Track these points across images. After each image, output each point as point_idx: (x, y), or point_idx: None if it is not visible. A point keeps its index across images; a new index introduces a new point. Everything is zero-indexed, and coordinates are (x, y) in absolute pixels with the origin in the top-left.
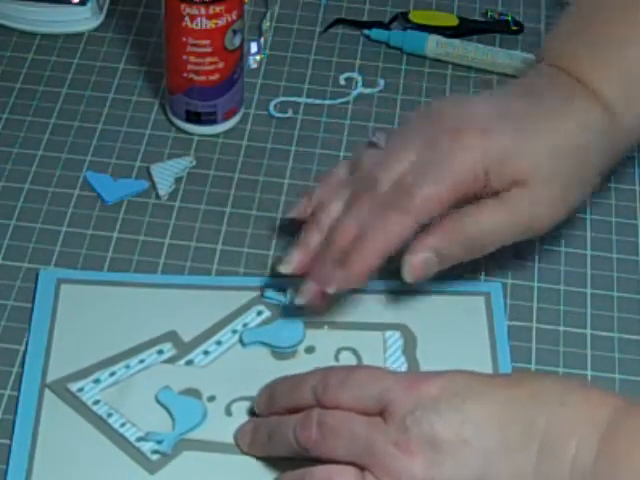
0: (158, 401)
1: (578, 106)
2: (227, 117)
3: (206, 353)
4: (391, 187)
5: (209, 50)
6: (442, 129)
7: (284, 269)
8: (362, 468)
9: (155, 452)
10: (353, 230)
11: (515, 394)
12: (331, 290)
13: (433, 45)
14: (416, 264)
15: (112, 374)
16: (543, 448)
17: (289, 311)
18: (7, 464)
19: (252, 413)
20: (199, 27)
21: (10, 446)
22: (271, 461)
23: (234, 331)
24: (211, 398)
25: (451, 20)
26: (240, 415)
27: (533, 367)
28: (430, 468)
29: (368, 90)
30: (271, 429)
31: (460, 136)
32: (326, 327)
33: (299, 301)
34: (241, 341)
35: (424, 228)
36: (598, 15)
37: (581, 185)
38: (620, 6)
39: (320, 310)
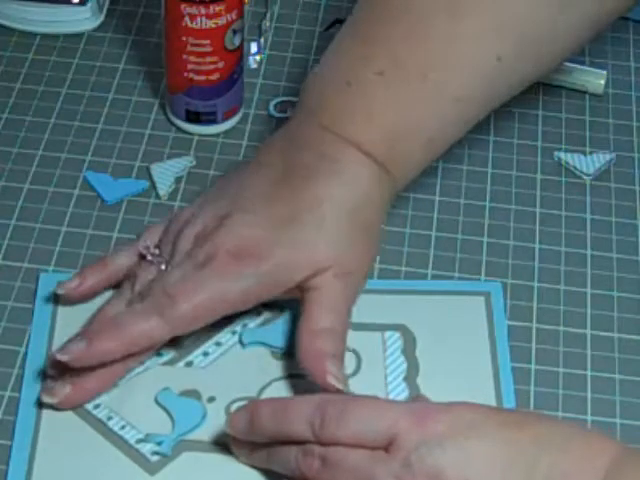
0: (158, 403)
1: (347, 172)
2: (227, 117)
3: (205, 354)
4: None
5: (209, 50)
6: (215, 251)
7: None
8: None
9: (155, 453)
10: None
11: (519, 436)
12: (64, 358)
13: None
14: (337, 373)
15: None
16: None
17: (289, 311)
18: (7, 465)
19: None
20: (199, 27)
21: (10, 447)
22: None
23: (233, 332)
24: (211, 399)
25: None
26: None
27: (533, 367)
28: None
29: None
30: (270, 451)
31: (231, 261)
32: None
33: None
34: (240, 342)
35: None
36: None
37: (373, 244)
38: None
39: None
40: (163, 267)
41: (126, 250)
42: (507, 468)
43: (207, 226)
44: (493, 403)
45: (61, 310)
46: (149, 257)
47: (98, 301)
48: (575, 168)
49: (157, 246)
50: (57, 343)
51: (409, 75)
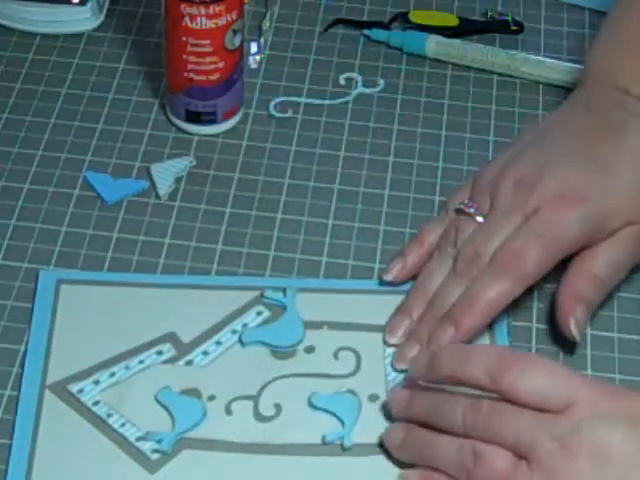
0: (158, 401)
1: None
2: (227, 117)
3: (206, 353)
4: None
5: (209, 50)
6: (541, 198)
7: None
8: (519, 457)
9: (155, 451)
10: (460, 293)
11: None
12: (434, 347)
13: (433, 45)
14: (580, 320)
15: (112, 375)
16: None
17: (289, 311)
18: (7, 464)
19: (252, 413)
20: (199, 27)
21: (10, 446)
22: (271, 459)
23: (234, 331)
24: (211, 397)
25: (451, 20)
26: (240, 414)
27: None
28: (590, 476)
29: (368, 90)
30: (436, 403)
31: (560, 206)
32: (326, 327)
33: (399, 364)
34: (241, 341)
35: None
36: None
37: None
38: None
39: None
40: (480, 219)
41: (436, 219)
42: None
43: (526, 174)
44: None
45: (61, 309)
46: (469, 210)
47: (97, 300)
48: None
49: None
50: (56, 342)
51: None
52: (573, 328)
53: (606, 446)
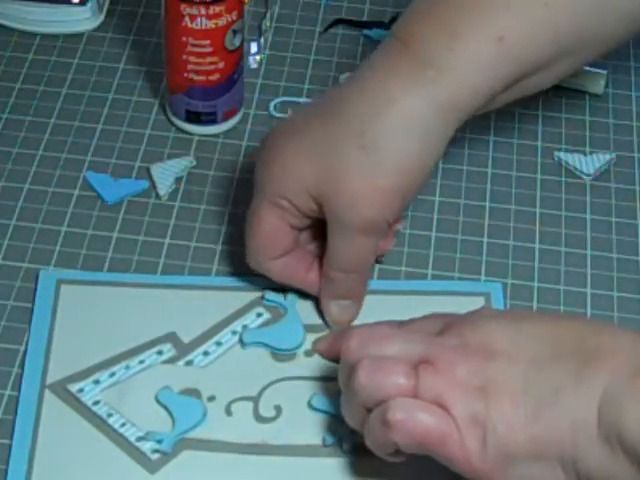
0: (158, 401)
1: (399, 85)
2: (227, 117)
3: (206, 354)
4: None
5: (209, 50)
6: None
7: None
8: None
9: (155, 451)
10: None
11: (571, 323)
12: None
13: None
14: (337, 317)
15: (112, 375)
16: (587, 361)
17: (289, 314)
18: (7, 464)
19: (253, 414)
20: (199, 27)
21: (10, 446)
22: (271, 460)
23: (234, 332)
24: (211, 398)
25: None
26: (240, 415)
27: None
28: (480, 371)
29: None
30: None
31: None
32: (326, 330)
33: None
34: (241, 342)
35: None
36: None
37: (390, 166)
38: None
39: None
40: None
41: None
42: (556, 341)
43: None
44: None
45: (61, 309)
46: None
47: (97, 300)
48: (575, 168)
49: None
50: (56, 342)
51: None
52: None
53: (492, 341)
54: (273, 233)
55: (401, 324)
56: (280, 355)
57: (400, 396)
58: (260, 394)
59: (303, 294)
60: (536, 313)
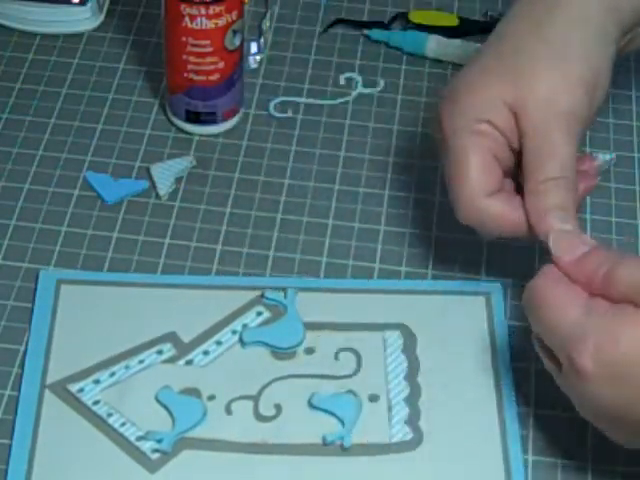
0: (158, 400)
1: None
2: (227, 117)
3: (206, 353)
4: None
5: (209, 50)
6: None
7: None
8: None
9: (155, 451)
10: None
11: None
12: None
13: (433, 45)
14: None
15: (112, 374)
16: None
17: (289, 313)
18: (7, 464)
19: (253, 413)
20: (199, 27)
21: (10, 446)
22: (271, 459)
23: (234, 331)
24: (211, 397)
25: (451, 20)
26: (240, 414)
27: (533, 367)
28: None
29: (368, 90)
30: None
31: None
32: (326, 329)
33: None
34: (241, 341)
35: None
36: None
37: (582, 61)
38: None
39: None
40: None
41: None
42: None
43: None
44: (493, 401)
45: (61, 309)
46: None
47: (97, 300)
48: None
49: None
50: (56, 342)
51: None
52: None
53: None
54: (484, 163)
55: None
56: (280, 354)
57: None
58: (260, 393)
59: (302, 290)
60: None
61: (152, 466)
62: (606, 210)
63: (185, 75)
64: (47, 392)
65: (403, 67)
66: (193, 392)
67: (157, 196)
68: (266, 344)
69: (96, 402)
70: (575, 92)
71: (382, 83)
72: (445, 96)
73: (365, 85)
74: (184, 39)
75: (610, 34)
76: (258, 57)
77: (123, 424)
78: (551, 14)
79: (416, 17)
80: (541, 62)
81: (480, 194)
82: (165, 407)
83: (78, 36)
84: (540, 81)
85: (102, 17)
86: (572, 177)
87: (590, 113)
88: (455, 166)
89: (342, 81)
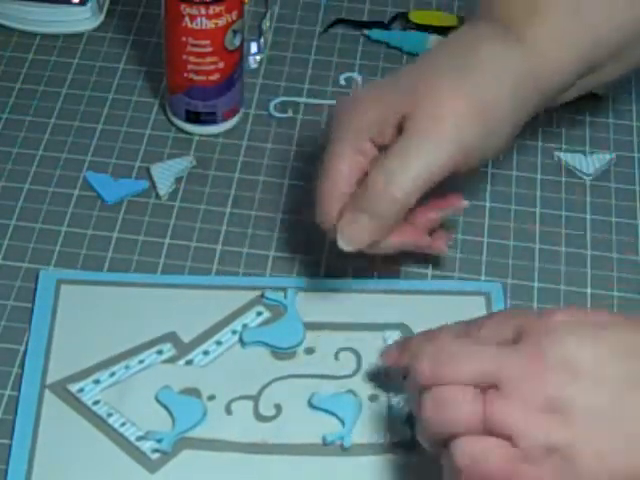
0: (158, 400)
1: (491, 52)
2: (227, 117)
3: (206, 353)
4: None
5: (209, 50)
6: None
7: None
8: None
9: (155, 451)
10: None
11: None
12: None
13: (433, 45)
14: (344, 227)
15: (112, 374)
16: None
17: (289, 313)
18: (7, 464)
19: (253, 413)
20: (199, 27)
21: (10, 446)
22: (271, 459)
23: (234, 331)
24: (211, 397)
25: (451, 20)
26: (240, 414)
27: None
28: (561, 395)
29: None
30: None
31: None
32: (326, 329)
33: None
34: (241, 341)
35: None
36: None
37: (493, 140)
38: None
39: None
40: None
41: None
42: (632, 352)
43: None
44: None
45: (61, 309)
46: None
47: (97, 300)
48: (575, 168)
49: None
50: (56, 342)
51: None
52: (338, 235)
53: (573, 354)
54: (348, 175)
55: (468, 328)
56: (280, 354)
57: (468, 428)
58: (260, 393)
59: (303, 292)
60: (619, 317)
61: (152, 466)
62: (606, 210)
63: (185, 75)
64: (47, 392)
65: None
66: (193, 392)
67: (157, 196)
68: (266, 344)
69: (96, 402)
70: (467, 121)
71: None
72: (347, 100)
73: (365, 85)
74: (184, 39)
75: (526, 97)
76: (258, 57)
77: (123, 424)
78: (472, 57)
79: (416, 17)
80: (447, 83)
81: (335, 203)
82: (165, 407)
83: (78, 36)
84: (438, 100)
85: (102, 17)
86: (411, 203)
87: (479, 143)
88: (325, 168)
89: (342, 81)
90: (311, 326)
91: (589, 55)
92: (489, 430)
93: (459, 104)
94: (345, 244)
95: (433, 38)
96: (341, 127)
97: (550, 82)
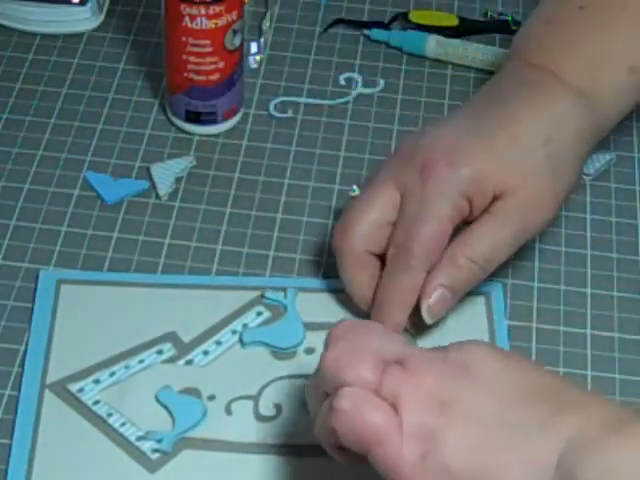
0: (158, 400)
1: (546, 98)
2: (227, 117)
3: (206, 353)
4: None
5: (209, 50)
6: (412, 169)
7: None
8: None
9: (155, 451)
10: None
11: (555, 377)
12: None
13: (433, 45)
14: (432, 305)
15: (112, 374)
16: (560, 408)
17: (289, 313)
18: (7, 464)
19: (253, 413)
20: (199, 27)
21: (10, 446)
22: (271, 460)
23: (234, 331)
24: (211, 397)
25: (451, 20)
26: (240, 414)
27: None
28: (450, 387)
29: (368, 90)
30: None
31: (428, 174)
32: (326, 328)
33: None
34: (241, 341)
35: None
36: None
37: (565, 178)
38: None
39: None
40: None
41: None
42: (536, 386)
43: (404, 146)
44: None
45: (61, 309)
46: None
47: (97, 300)
48: None
49: None
50: (56, 342)
51: (610, 6)
52: (425, 311)
53: (473, 364)
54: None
55: None
56: (280, 354)
57: (361, 384)
58: (260, 393)
59: (302, 290)
60: (528, 360)
61: (152, 466)
62: (606, 210)
63: (185, 75)
64: (47, 392)
65: (403, 67)
66: (193, 392)
67: (157, 196)
68: (266, 344)
69: (96, 402)
70: (555, 208)
71: (382, 83)
72: (340, 221)
73: (365, 85)
74: (184, 39)
75: (588, 151)
76: (258, 57)
77: (123, 424)
78: (557, 129)
79: (416, 17)
80: (542, 173)
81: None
82: (165, 407)
83: (78, 36)
84: (535, 188)
85: (102, 17)
86: (488, 271)
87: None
88: (345, 273)
89: (342, 81)
90: (311, 326)
91: (634, 82)
92: (379, 394)
93: (552, 195)
94: (430, 318)
95: (433, 38)
96: (344, 242)
97: (609, 124)
